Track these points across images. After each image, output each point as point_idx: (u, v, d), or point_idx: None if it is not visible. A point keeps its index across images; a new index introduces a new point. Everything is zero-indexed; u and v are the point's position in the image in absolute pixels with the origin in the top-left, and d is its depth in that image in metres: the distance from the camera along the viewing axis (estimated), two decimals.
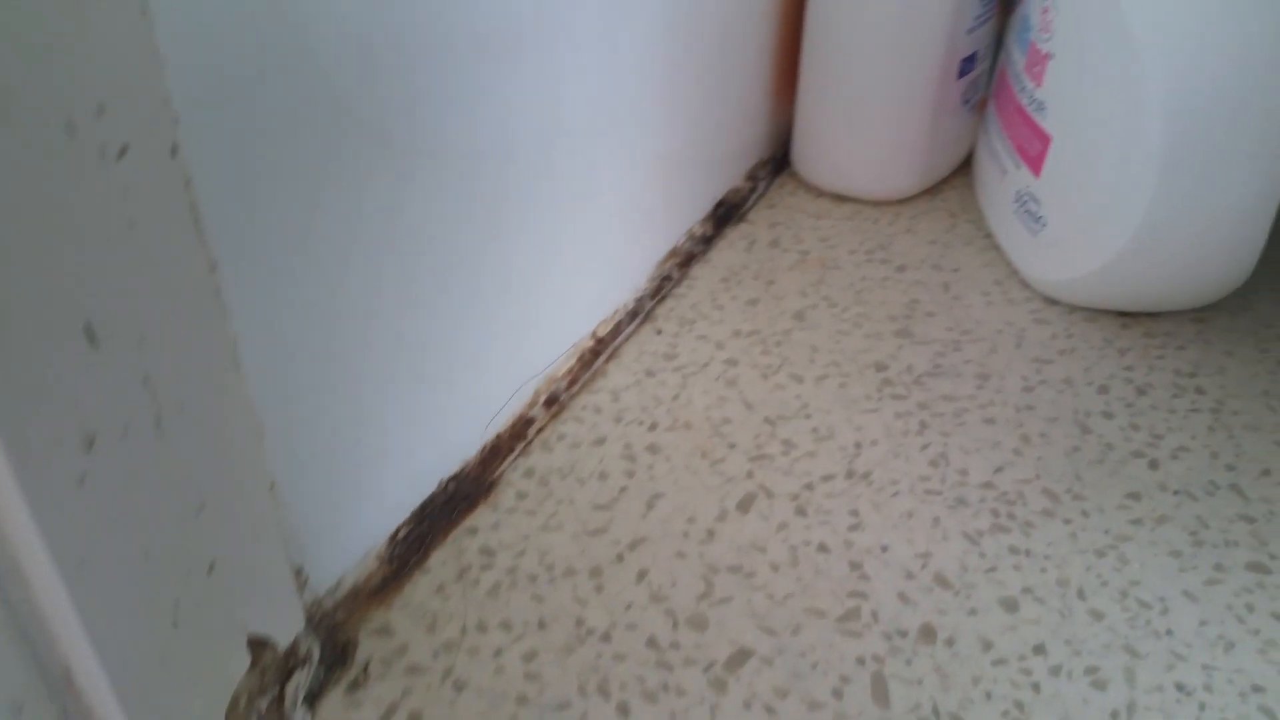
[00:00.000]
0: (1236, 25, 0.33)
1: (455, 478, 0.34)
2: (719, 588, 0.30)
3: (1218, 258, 0.36)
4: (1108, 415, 0.36)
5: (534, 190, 0.33)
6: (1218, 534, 0.31)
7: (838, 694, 0.28)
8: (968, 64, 0.46)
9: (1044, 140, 0.40)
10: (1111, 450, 0.34)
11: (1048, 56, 0.39)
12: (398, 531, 0.32)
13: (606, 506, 0.33)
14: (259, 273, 0.24)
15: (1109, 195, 0.37)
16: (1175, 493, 0.33)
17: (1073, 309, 0.41)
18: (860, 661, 0.28)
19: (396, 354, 0.29)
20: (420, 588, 0.31)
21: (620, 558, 0.31)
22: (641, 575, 0.31)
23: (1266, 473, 0.33)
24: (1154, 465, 0.34)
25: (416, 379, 0.30)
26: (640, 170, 0.39)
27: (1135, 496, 0.33)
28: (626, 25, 0.35)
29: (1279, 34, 0.33)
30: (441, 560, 0.31)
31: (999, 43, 0.48)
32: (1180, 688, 0.27)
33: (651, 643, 0.29)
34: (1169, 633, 0.29)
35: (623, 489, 0.34)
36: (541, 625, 0.29)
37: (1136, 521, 0.32)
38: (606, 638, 0.29)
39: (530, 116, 0.31)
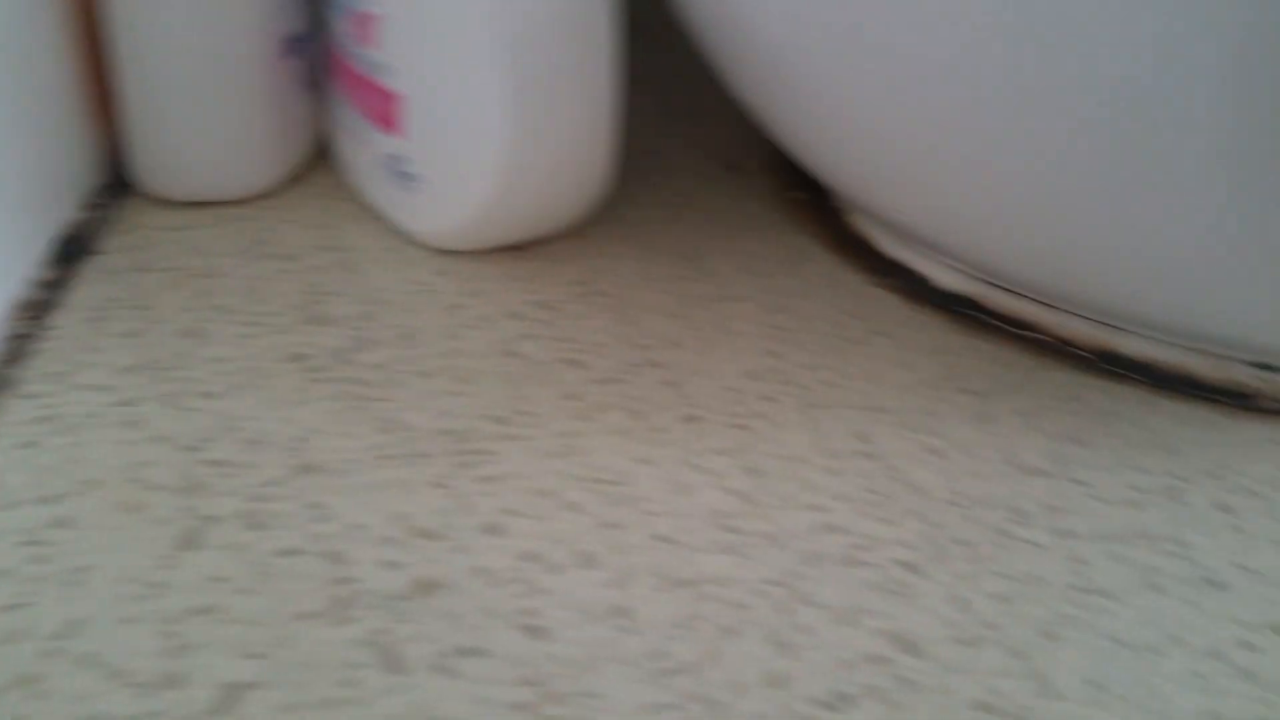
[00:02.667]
0: None
1: None
2: (187, 634, 0.27)
3: (583, 180, 0.41)
4: (530, 338, 0.38)
5: None
6: (650, 404, 0.35)
7: (349, 683, 0.26)
8: (297, 43, 0.46)
9: (394, 101, 0.41)
10: (541, 366, 0.37)
11: (377, 17, 0.40)
12: None
13: (17, 606, 0.28)
14: None
15: (468, 142, 0.39)
16: (606, 382, 0.36)
17: (472, 256, 0.43)
18: (363, 643, 0.27)
19: None
20: None
21: (51, 653, 0.26)
22: (90, 659, 0.26)
23: (672, 343, 0.38)
24: (582, 365, 0.37)
25: None
26: None
27: (575, 397, 0.35)
28: None
29: None
30: None
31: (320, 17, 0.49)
32: (661, 539, 0.30)
33: None
34: (637, 499, 0.31)
35: (35, 579, 0.28)
36: None
37: (582, 417, 0.34)
38: None
39: None
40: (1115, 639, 0.27)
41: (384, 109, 0.42)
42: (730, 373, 0.37)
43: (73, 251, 0.42)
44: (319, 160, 0.50)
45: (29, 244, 0.40)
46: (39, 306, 0.39)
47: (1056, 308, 0.37)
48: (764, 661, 0.26)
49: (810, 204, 0.47)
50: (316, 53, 0.48)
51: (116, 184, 0.47)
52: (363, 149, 0.45)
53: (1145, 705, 0.25)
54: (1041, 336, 0.38)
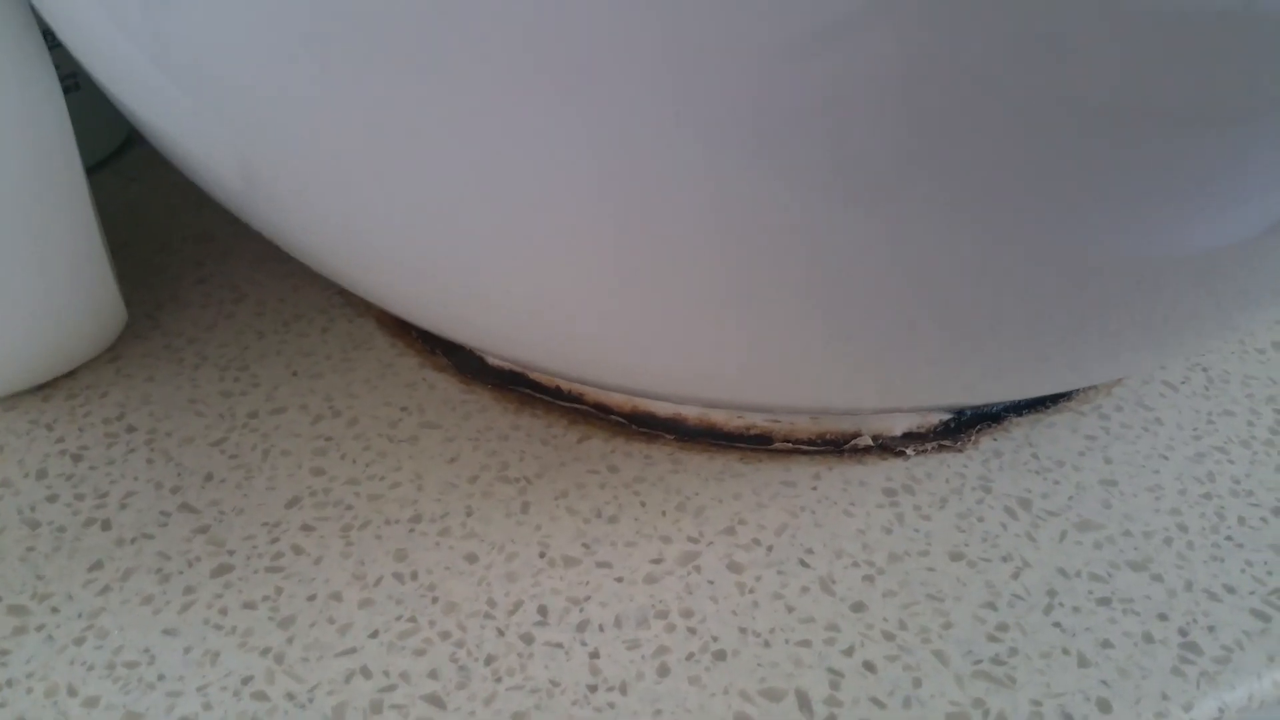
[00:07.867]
0: None
1: None
2: None
3: (77, 320, 0.40)
4: (52, 499, 0.38)
5: None
6: (180, 560, 0.36)
7: None
8: None
9: None
10: (64, 532, 0.37)
11: None
12: None
13: None
14: None
15: None
16: (133, 541, 0.36)
17: None
18: None
19: None
20: None
21: None
22: None
23: (209, 478, 0.39)
24: (106, 526, 0.37)
25: None
26: None
27: (98, 566, 0.35)
28: None
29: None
30: None
31: None
32: None
33: None
34: (161, 678, 0.32)
35: None
36: None
37: (105, 590, 0.35)
38: None
39: None
40: None
41: None
42: (271, 504, 0.38)
43: None
44: None
45: None
46: None
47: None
48: None
49: None
50: None
51: None
52: None
53: None
54: (582, 406, 0.41)
